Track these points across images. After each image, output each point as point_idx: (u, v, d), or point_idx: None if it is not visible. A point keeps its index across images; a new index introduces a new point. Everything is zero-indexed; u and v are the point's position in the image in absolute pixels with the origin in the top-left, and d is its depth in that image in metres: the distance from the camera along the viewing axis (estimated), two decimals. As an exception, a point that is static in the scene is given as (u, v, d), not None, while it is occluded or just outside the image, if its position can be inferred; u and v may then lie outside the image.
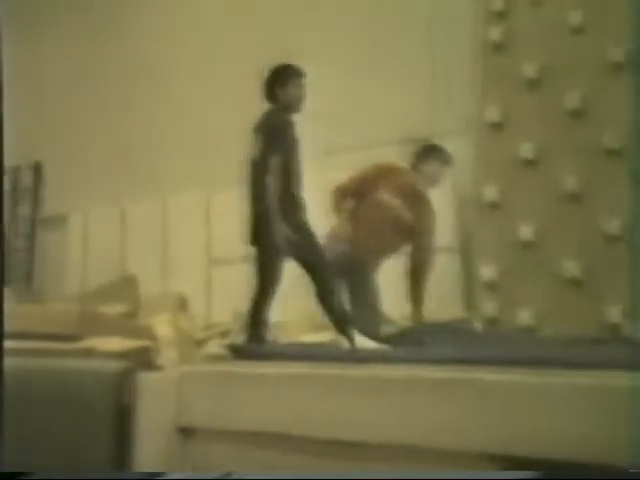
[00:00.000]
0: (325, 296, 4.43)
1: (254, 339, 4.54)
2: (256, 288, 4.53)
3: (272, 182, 4.39)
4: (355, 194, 4.87)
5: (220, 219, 7.32)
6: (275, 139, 4.43)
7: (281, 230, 4.34)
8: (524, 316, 5.49)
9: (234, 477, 3.63)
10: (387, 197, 4.84)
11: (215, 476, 3.70)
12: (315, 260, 4.47)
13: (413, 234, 4.91)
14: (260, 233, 4.46)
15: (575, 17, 5.57)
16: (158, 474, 3.82)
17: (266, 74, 4.60)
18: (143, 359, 4.45)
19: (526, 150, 5.65)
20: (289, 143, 4.50)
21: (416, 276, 4.95)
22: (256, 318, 4.54)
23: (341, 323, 4.45)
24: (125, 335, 4.60)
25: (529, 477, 3.14)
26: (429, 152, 4.96)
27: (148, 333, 4.74)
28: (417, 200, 4.92)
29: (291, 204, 4.48)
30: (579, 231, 5.38)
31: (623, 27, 5.37)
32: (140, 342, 4.49)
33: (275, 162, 4.40)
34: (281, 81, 4.54)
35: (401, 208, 4.86)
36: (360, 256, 4.93)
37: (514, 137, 5.73)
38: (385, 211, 4.87)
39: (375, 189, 4.82)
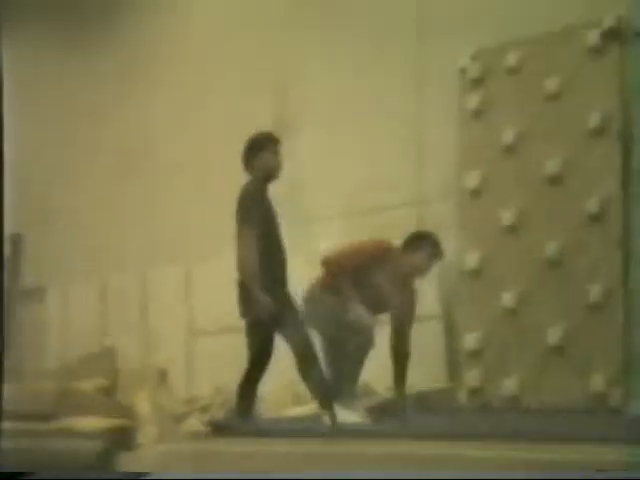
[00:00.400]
0: (307, 371, 4.37)
1: (241, 415, 4.45)
2: (248, 361, 4.46)
3: (249, 254, 4.36)
4: (349, 272, 4.79)
5: (202, 290, 7.28)
6: (249, 211, 4.40)
7: (264, 302, 4.30)
8: (508, 385, 5.44)
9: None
10: (379, 282, 4.83)
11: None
12: (297, 333, 4.42)
13: (395, 319, 4.89)
14: (247, 305, 4.41)
15: (552, 83, 5.64)
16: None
17: (245, 146, 4.60)
18: (122, 438, 4.37)
19: (507, 216, 5.66)
20: (264, 214, 4.47)
21: (396, 358, 4.90)
22: (244, 393, 4.46)
23: (323, 398, 4.38)
24: (103, 413, 4.52)
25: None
26: (420, 242, 4.92)
27: (126, 411, 4.66)
28: (405, 288, 4.91)
29: (272, 276, 4.45)
30: (562, 298, 5.36)
31: (600, 92, 5.45)
32: (118, 421, 4.41)
33: (249, 234, 4.37)
34: (257, 150, 4.51)
35: (390, 294, 4.85)
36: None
37: (494, 203, 5.75)
38: (379, 299, 4.85)
39: (369, 271, 4.78)
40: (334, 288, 4.68)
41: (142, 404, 4.94)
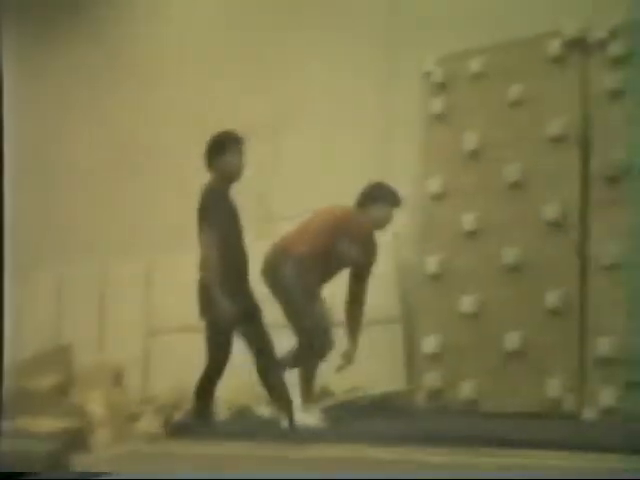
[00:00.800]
0: (266, 373, 4.35)
1: (199, 416, 4.41)
2: (206, 362, 4.42)
3: (211, 255, 4.32)
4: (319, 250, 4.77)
5: (161, 287, 7.18)
6: (210, 211, 4.36)
7: (225, 303, 4.26)
8: (467, 389, 5.46)
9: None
10: (346, 247, 4.81)
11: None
12: (257, 335, 4.39)
13: (358, 269, 4.91)
14: (208, 306, 4.37)
15: (515, 90, 5.68)
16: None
17: (207, 146, 4.55)
18: (76, 439, 4.30)
19: (468, 221, 5.69)
20: (226, 214, 4.44)
21: (355, 305, 4.91)
22: (202, 394, 4.43)
23: (281, 401, 4.36)
24: (57, 413, 4.45)
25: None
26: (378, 194, 4.92)
27: (81, 411, 4.59)
28: (368, 242, 4.92)
29: (234, 276, 4.41)
30: (521, 303, 5.39)
31: (562, 100, 5.50)
32: (72, 421, 4.35)
33: (211, 234, 4.33)
34: (219, 149, 4.47)
35: (357, 254, 4.85)
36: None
37: (456, 208, 5.77)
38: (344, 261, 4.85)
39: (334, 240, 4.75)
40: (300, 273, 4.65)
41: (97, 404, 4.87)
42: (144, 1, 8.29)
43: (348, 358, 4.82)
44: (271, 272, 4.72)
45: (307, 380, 4.77)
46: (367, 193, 4.88)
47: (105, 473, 3.83)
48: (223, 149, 4.46)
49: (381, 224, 4.89)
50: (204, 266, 4.32)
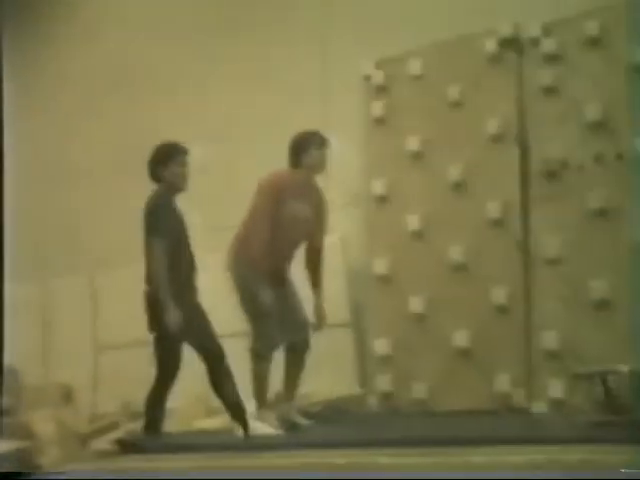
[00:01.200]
0: (219, 382, 4.32)
1: (150, 430, 4.37)
2: (156, 375, 4.37)
3: (158, 267, 4.29)
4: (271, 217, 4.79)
5: (107, 302, 7.11)
6: (156, 222, 4.33)
7: (174, 315, 4.22)
8: (418, 390, 5.50)
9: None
10: (295, 207, 4.83)
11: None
12: (209, 344, 4.36)
13: (313, 226, 4.90)
14: (156, 318, 4.32)
15: (453, 90, 5.74)
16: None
17: (151, 155, 4.52)
18: (24, 460, 4.21)
19: (413, 222, 5.73)
20: (172, 225, 4.40)
21: (315, 261, 4.90)
22: (153, 408, 4.38)
23: (235, 410, 4.33)
24: (5, 434, 4.35)
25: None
26: (305, 142, 4.93)
27: (28, 432, 4.49)
28: (313, 194, 4.90)
29: (182, 287, 4.38)
30: (468, 302, 5.44)
31: (499, 99, 5.57)
32: (21, 442, 4.25)
33: (158, 246, 4.29)
34: (164, 160, 4.44)
35: (307, 210, 4.86)
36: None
37: (400, 209, 5.81)
38: (299, 223, 4.82)
39: (279, 206, 4.77)
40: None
41: (44, 424, 4.78)
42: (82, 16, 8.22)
43: (321, 315, 4.85)
44: (229, 273, 4.74)
45: (261, 386, 4.75)
46: (294, 146, 4.88)
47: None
48: (168, 160, 4.45)
49: (319, 168, 4.89)
50: (153, 278, 4.28)
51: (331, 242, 6.07)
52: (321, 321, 4.87)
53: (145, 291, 4.35)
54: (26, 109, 7.89)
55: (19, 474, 3.79)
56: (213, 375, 4.33)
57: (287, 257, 4.83)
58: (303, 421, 4.71)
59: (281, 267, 4.80)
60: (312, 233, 4.88)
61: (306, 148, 4.82)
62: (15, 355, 7.53)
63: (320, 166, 4.87)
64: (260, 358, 4.59)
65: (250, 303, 4.64)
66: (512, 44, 5.60)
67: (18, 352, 7.55)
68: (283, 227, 4.69)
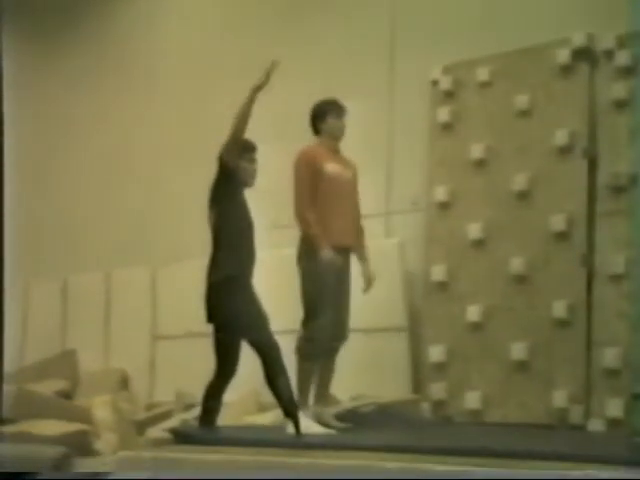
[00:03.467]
0: (274, 378, 4.33)
1: (205, 422, 4.42)
2: (215, 369, 4.43)
3: (226, 258, 4.35)
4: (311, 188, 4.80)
5: (166, 294, 7.21)
6: (231, 213, 4.40)
7: (234, 306, 4.28)
8: (472, 399, 5.45)
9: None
10: (335, 169, 4.86)
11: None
12: (265, 339, 4.38)
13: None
14: (216, 309, 4.37)
15: (522, 101, 5.68)
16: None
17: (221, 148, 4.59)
18: (80, 444, 4.29)
19: (474, 230, 5.68)
20: (243, 218, 4.48)
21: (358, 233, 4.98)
22: (210, 400, 4.44)
23: (288, 407, 4.35)
24: (62, 418, 4.44)
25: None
26: (321, 111, 4.96)
27: (86, 416, 4.57)
28: (343, 159, 4.98)
29: (245, 277, 4.44)
30: (527, 313, 5.38)
31: (568, 110, 5.50)
32: (77, 426, 4.33)
33: (229, 237, 4.37)
34: (235, 153, 4.49)
35: (346, 172, 4.92)
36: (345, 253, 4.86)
37: (462, 217, 5.77)
38: (345, 185, 4.86)
39: (321, 171, 4.79)
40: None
41: (102, 409, 4.86)
42: (143, 8, 8.36)
43: (369, 277, 4.89)
44: (297, 263, 4.79)
45: (323, 384, 4.76)
46: (312, 114, 4.97)
47: (105, 473, 3.82)
48: (241, 155, 4.52)
49: (337, 136, 4.96)
50: (216, 267, 4.35)
51: (390, 246, 6.09)
52: (369, 285, 4.90)
53: (208, 282, 4.41)
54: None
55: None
56: (268, 370, 4.34)
57: (349, 227, 4.86)
58: (339, 424, 4.69)
59: (348, 240, 4.83)
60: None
61: (323, 116, 4.92)
62: (75, 342, 7.73)
63: (338, 134, 4.96)
64: (307, 357, 4.61)
65: (312, 303, 4.66)
66: (585, 55, 5.53)
67: (79, 339, 7.76)
68: (331, 192, 4.75)
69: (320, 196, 4.76)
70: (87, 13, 8.50)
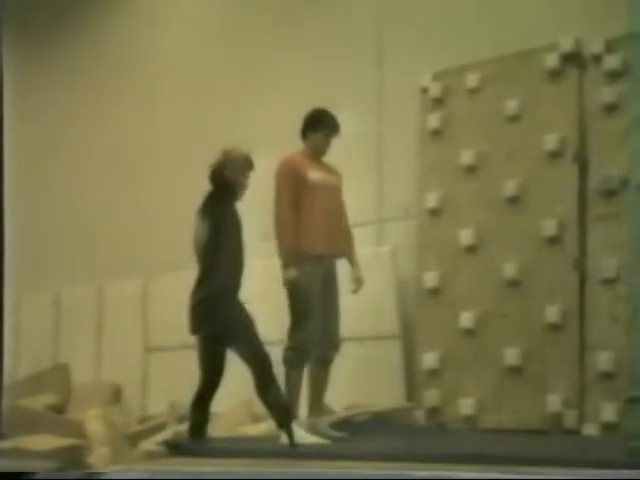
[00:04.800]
0: (265, 389, 4.32)
1: (195, 434, 4.40)
2: (200, 380, 4.42)
3: (218, 271, 4.36)
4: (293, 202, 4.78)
5: (157, 305, 7.17)
6: (226, 226, 4.42)
7: (224, 318, 4.28)
8: (466, 405, 5.43)
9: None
10: (318, 176, 4.84)
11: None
12: (255, 350, 4.37)
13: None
14: (205, 321, 4.38)
15: (512, 106, 5.68)
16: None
17: (218, 158, 4.59)
18: (73, 458, 4.26)
19: (466, 236, 5.68)
20: (237, 230, 4.49)
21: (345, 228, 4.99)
22: (197, 412, 4.42)
23: (281, 418, 4.33)
24: (55, 432, 4.41)
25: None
26: (317, 122, 4.96)
27: (78, 430, 4.54)
28: (326, 167, 4.96)
29: (234, 287, 4.44)
30: (520, 318, 5.37)
31: (558, 115, 5.50)
32: (70, 440, 4.30)
33: (226, 249, 4.38)
34: (236, 168, 4.55)
35: (331, 178, 4.91)
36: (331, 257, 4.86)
37: (453, 223, 5.76)
38: (329, 190, 4.86)
39: (299, 178, 4.77)
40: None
41: (94, 423, 4.83)
42: (145, 9, 8.36)
43: (358, 280, 4.90)
44: (283, 275, 4.77)
45: (317, 394, 4.75)
46: (307, 119, 4.96)
47: (104, 473, 3.80)
48: (241, 169, 4.56)
49: (320, 151, 4.94)
50: (214, 277, 4.36)
51: (382, 253, 6.08)
52: (360, 286, 4.90)
53: (195, 294, 4.40)
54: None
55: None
56: (259, 381, 4.34)
57: (335, 233, 4.85)
58: (335, 434, 4.67)
59: (334, 248, 4.82)
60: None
61: (316, 127, 4.91)
62: (68, 355, 7.70)
63: (322, 150, 4.94)
64: (294, 366, 4.60)
65: (298, 312, 4.65)
66: (574, 60, 5.54)
67: (71, 352, 7.72)
68: (315, 199, 4.73)
69: (304, 203, 4.75)
70: (87, 14, 8.50)
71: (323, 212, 4.80)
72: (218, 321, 4.32)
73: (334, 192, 4.93)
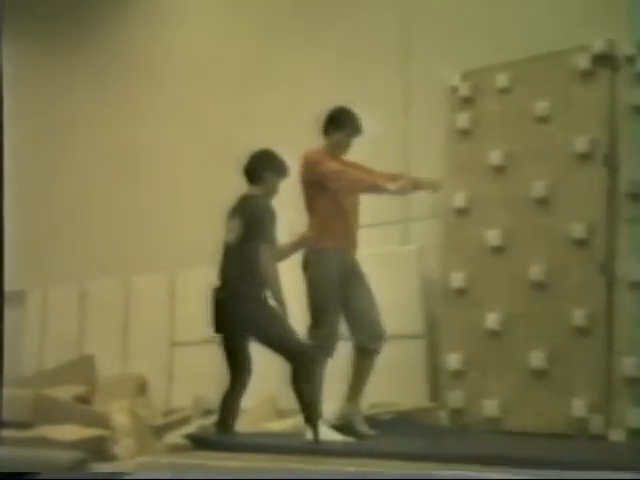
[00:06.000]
0: (299, 382, 4.33)
1: (222, 429, 4.45)
2: (229, 378, 4.48)
3: (273, 272, 4.44)
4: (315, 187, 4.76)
5: (184, 300, 7.19)
6: (267, 227, 4.48)
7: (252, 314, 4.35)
8: (490, 407, 5.41)
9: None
10: (336, 165, 4.80)
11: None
12: (294, 345, 4.40)
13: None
14: (225, 319, 4.40)
15: (541, 106, 5.65)
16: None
17: (254, 157, 4.66)
18: (98, 449, 4.30)
19: (493, 237, 5.65)
20: (274, 231, 4.55)
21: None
22: (226, 407, 4.48)
23: (309, 413, 4.34)
24: (80, 422, 4.45)
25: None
26: (340, 122, 4.90)
27: (104, 421, 4.58)
28: (344, 160, 4.94)
29: (262, 286, 4.48)
30: (545, 321, 5.34)
31: (588, 116, 5.46)
32: (95, 431, 4.33)
33: (267, 250, 4.44)
34: (272, 168, 4.64)
35: (343, 168, 4.85)
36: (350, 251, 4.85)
37: (480, 223, 5.74)
38: (350, 177, 4.79)
39: (322, 174, 4.74)
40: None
41: (120, 414, 4.87)
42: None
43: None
44: (304, 271, 4.78)
45: (357, 384, 4.73)
46: (329, 116, 4.92)
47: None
48: (278, 169, 4.65)
49: (341, 150, 4.90)
50: (271, 283, 4.44)
51: (408, 253, 6.07)
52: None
53: (212, 293, 4.45)
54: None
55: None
56: (295, 374, 4.36)
57: (353, 232, 4.84)
58: (369, 431, 4.68)
59: (353, 243, 4.82)
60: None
61: (339, 126, 4.86)
62: (93, 347, 7.75)
63: (342, 149, 4.90)
64: (315, 363, 4.60)
65: (320, 310, 4.64)
66: (606, 61, 5.49)
67: (97, 345, 7.78)
68: (334, 195, 4.72)
69: (322, 201, 4.75)
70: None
71: (342, 208, 4.79)
72: (241, 321, 4.37)
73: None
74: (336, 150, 4.87)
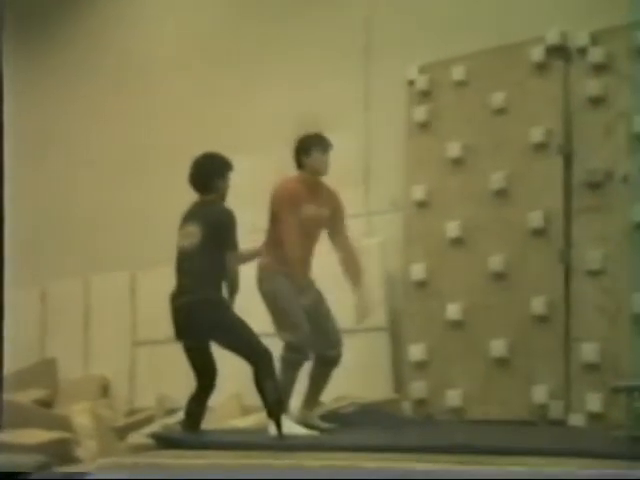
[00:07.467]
0: (262, 381, 4.33)
1: (189, 427, 4.43)
2: (195, 381, 4.48)
3: (236, 280, 4.42)
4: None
5: (145, 299, 7.17)
6: (230, 233, 4.44)
7: (212, 319, 4.33)
8: (453, 397, 5.47)
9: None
10: (311, 210, 4.78)
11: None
12: (255, 346, 4.39)
13: (332, 224, 4.89)
14: (186, 324, 4.40)
15: (498, 99, 5.70)
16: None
17: (200, 166, 4.60)
18: (60, 452, 4.26)
19: (453, 228, 5.71)
20: (236, 236, 4.51)
21: (348, 255, 4.90)
22: (193, 405, 4.46)
23: (273, 409, 4.34)
24: (42, 426, 4.40)
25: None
26: (307, 145, 4.85)
27: (66, 424, 4.53)
28: (324, 194, 4.86)
29: (218, 294, 4.47)
30: (506, 310, 5.41)
31: (543, 107, 5.53)
32: (57, 434, 4.30)
33: (233, 256, 4.42)
34: (222, 173, 4.58)
35: (323, 211, 4.84)
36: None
37: (440, 215, 5.79)
38: (316, 226, 4.80)
39: (299, 209, 4.75)
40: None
41: (82, 417, 4.83)
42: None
43: (364, 309, 4.87)
44: (259, 288, 4.78)
45: (314, 391, 4.75)
46: (297, 147, 4.86)
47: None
48: (226, 173, 4.60)
49: (320, 171, 4.84)
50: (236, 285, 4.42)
51: (369, 246, 6.09)
52: (367, 315, 4.89)
53: (176, 297, 4.43)
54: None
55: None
56: (258, 373, 4.36)
57: (309, 261, 4.84)
58: (324, 425, 4.69)
59: (307, 272, 4.82)
60: (334, 232, 4.89)
61: (308, 151, 4.79)
62: (55, 350, 7.67)
63: (322, 170, 4.83)
64: (291, 366, 4.60)
65: (285, 316, 4.64)
66: (559, 52, 5.55)
67: (58, 347, 7.70)
68: (303, 231, 4.71)
69: (280, 230, 4.74)
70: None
71: (306, 246, 4.79)
72: (204, 327, 4.36)
73: (319, 223, 4.92)
74: (315, 174, 4.84)
